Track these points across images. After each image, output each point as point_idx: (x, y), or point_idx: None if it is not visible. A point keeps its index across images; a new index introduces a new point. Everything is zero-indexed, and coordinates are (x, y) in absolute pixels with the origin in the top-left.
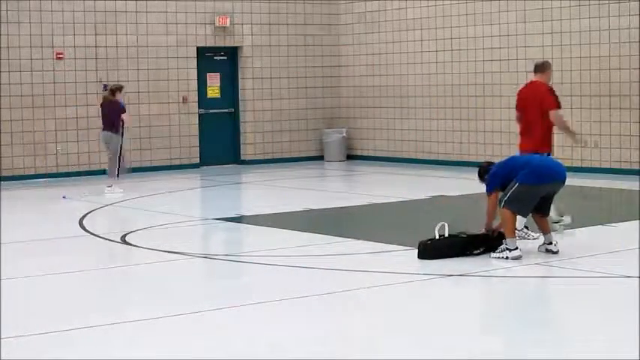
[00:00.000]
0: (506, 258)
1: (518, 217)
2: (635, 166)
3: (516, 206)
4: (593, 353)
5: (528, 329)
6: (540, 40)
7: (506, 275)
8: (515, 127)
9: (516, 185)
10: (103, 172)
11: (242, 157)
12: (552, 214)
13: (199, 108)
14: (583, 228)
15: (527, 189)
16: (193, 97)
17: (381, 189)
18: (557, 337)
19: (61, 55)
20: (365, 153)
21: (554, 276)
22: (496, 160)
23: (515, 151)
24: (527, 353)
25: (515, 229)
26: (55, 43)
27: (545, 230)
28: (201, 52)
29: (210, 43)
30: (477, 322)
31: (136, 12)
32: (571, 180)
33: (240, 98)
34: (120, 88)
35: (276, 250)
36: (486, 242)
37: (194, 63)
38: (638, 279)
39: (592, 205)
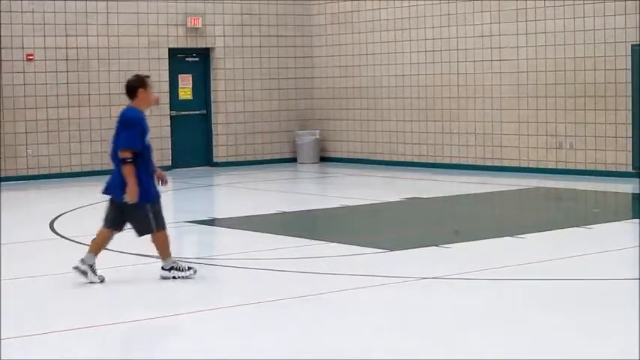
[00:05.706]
0: None
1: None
2: (611, 168)
3: None
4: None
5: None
6: (515, 41)
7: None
8: (490, 129)
9: None
10: (76, 174)
11: (214, 160)
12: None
13: (171, 110)
14: (558, 230)
15: None
16: (165, 98)
17: (355, 191)
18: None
19: (31, 57)
20: (338, 155)
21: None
22: (471, 162)
23: (490, 154)
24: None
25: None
26: (25, 45)
27: None
28: (173, 53)
29: (181, 44)
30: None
31: (107, 13)
32: (547, 182)
33: (212, 100)
34: None
35: (249, 253)
36: None
37: (166, 64)
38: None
39: (567, 207)
